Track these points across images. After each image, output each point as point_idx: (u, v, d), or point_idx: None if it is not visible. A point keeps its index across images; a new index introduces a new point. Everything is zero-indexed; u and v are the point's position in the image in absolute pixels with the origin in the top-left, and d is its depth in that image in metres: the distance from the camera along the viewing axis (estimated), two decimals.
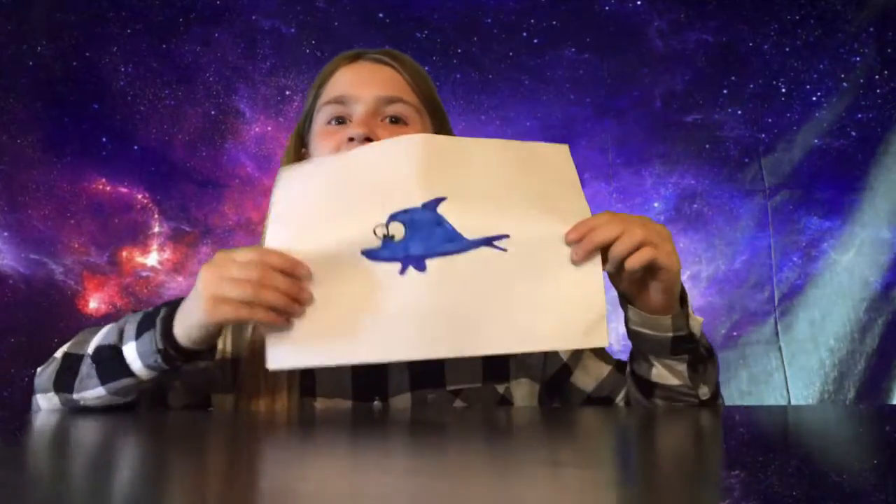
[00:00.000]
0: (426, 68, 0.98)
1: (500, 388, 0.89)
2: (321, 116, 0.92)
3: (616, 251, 0.72)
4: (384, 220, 0.73)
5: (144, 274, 2.27)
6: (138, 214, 2.28)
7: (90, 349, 0.80)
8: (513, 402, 0.89)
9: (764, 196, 2.34)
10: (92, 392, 0.78)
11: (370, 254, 0.73)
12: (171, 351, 0.75)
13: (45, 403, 0.82)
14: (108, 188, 2.27)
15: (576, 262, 0.73)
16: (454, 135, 0.99)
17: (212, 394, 0.88)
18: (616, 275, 0.76)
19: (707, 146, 2.37)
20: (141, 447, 0.63)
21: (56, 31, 2.24)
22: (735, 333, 2.30)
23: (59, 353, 0.83)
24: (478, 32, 2.37)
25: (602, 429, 0.72)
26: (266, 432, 0.71)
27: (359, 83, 0.90)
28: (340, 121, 0.90)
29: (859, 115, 2.34)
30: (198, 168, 2.31)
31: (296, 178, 0.79)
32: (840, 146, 2.34)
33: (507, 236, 0.73)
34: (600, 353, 0.91)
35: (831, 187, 2.34)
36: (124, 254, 2.27)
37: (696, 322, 0.78)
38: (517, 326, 0.73)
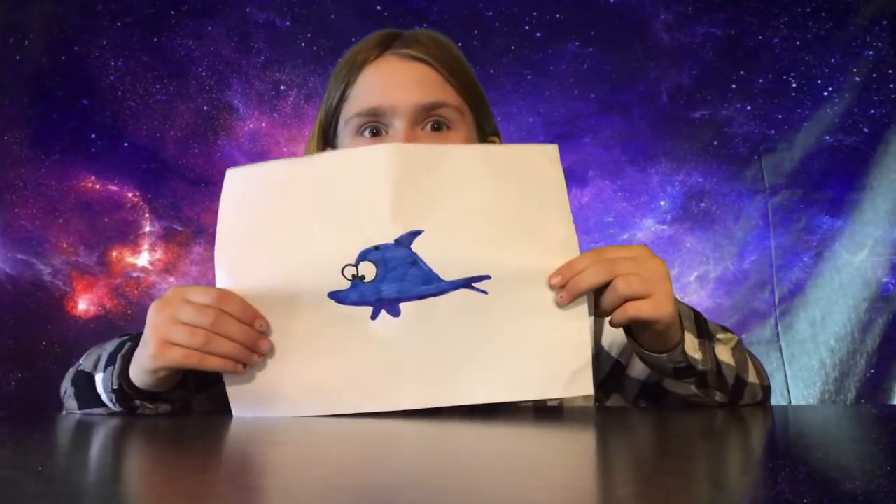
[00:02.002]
0: None
1: (554, 401, 0.87)
2: (351, 127, 0.86)
3: (600, 307, 0.71)
4: (353, 258, 0.69)
5: (135, 275, 2.27)
6: (129, 213, 2.28)
7: (76, 368, 0.83)
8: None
9: (766, 194, 2.34)
10: (74, 411, 0.82)
11: (337, 296, 0.70)
12: (128, 390, 0.73)
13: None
14: (97, 186, 2.27)
15: (560, 306, 0.70)
16: (494, 120, 0.95)
17: None
18: None
19: (715, 143, 2.37)
20: (144, 449, 0.63)
21: (44, 25, 2.23)
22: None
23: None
24: (479, 26, 2.37)
25: (602, 430, 0.72)
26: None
27: (393, 89, 0.84)
28: (375, 132, 0.85)
29: (872, 111, 2.33)
30: (190, 165, 2.31)
31: (245, 185, 0.74)
32: (852, 143, 2.34)
33: (487, 277, 0.70)
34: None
35: (842, 185, 2.34)
36: (114, 254, 2.27)
37: (696, 359, 0.75)
38: (496, 375, 0.71)
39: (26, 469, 0.49)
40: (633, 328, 0.75)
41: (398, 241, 0.69)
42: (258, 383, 0.71)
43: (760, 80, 2.37)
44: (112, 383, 0.74)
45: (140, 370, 0.72)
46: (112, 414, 0.79)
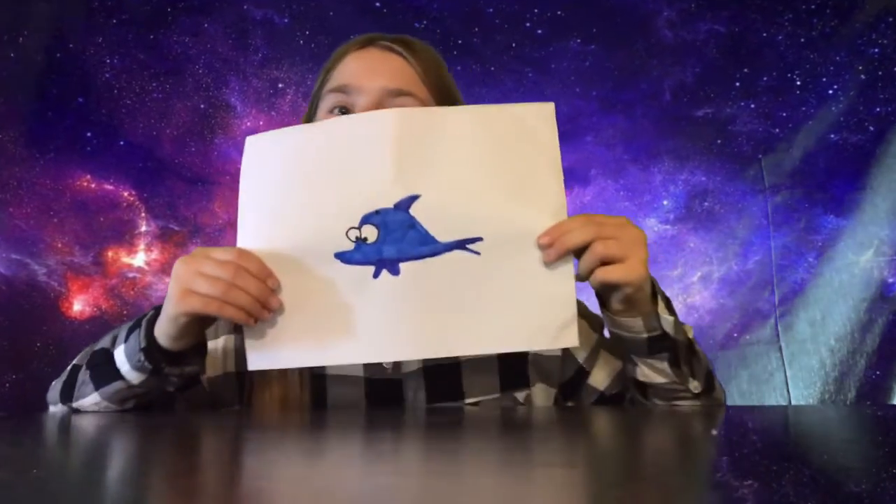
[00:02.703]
0: None
1: (521, 397, 0.90)
2: (325, 104, 0.92)
3: (578, 268, 0.75)
4: (356, 221, 0.75)
5: (131, 275, 2.27)
6: (124, 213, 2.28)
7: (88, 356, 0.85)
8: None
9: (769, 194, 2.34)
10: (88, 399, 0.83)
11: (343, 256, 0.76)
12: (154, 351, 0.77)
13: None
14: (92, 185, 2.27)
15: (547, 264, 0.74)
16: None
17: (219, 408, 0.90)
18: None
19: (718, 141, 2.37)
20: (140, 448, 0.63)
21: (38, 22, 2.24)
22: (735, 334, 2.32)
23: (70, 365, 0.88)
24: (479, 23, 2.37)
25: (598, 430, 0.72)
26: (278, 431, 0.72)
27: (366, 73, 0.90)
28: (343, 111, 0.90)
29: (878, 109, 2.34)
30: (186, 164, 2.31)
31: (263, 152, 0.80)
32: (857, 141, 2.34)
33: (480, 239, 0.75)
34: (613, 349, 0.92)
35: (847, 184, 2.34)
36: (110, 254, 2.27)
37: (669, 321, 0.79)
38: (487, 328, 0.76)
39: (25, 470, 0.49)
40: (606, 293, 0.79)
41: (397, 206, 0.75)
42: (273, 335, 0.77)
43: (764, 78, 2.37)
44: (140, 342, 0.78)
45: (163, 320, 0.76)
46: (129, 390, 0.80)
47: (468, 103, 0.90)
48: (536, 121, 0.78)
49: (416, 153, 0.76)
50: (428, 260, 0.75)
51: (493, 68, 2.36)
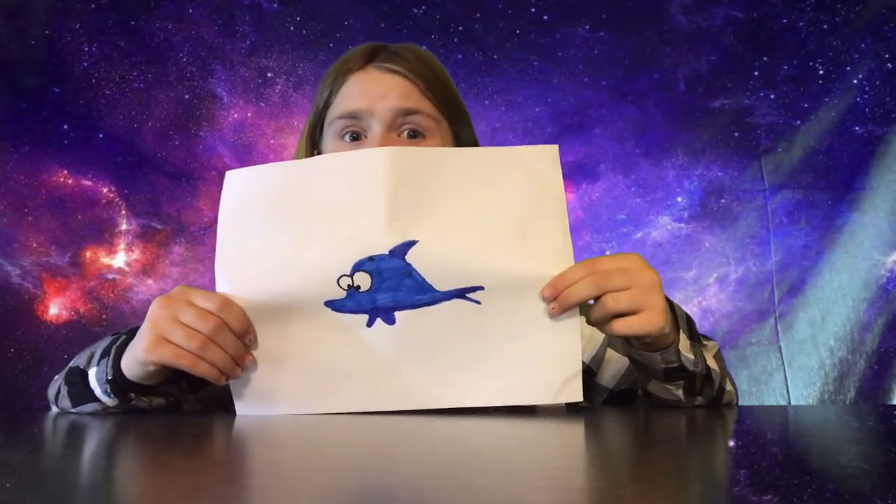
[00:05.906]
0: (423, 46, 1.02)
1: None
2: (333, 130, 0.96)
3: (589, 320, 0.77)
4: (348, 268, 0.75)
5: (110, 276, 2.28)
6: (104, 210, 2.29)
7: (66, 368, 0.88)
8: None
9: (776, 191, 2.35)
10: (69, 411, 0.86)
11: (334, 305, 0.76)
12: (120, 382, 0.79)
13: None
14: (70, 181, 2.28)
15: (552, 317, 0.75)
16: (475, 134, 1.04)
17: (230, 406, 0.91)
18: None
19: (736, 134, 2.37)
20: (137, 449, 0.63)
21: (12, 7, 2.24)
22: (735, 334, 2.35)
23: (67, 367, 0.91)
24: (480, 8, 2.37)
25: (600, 430, 0.72)
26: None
27: (371, 96, 0.94)
28: (355, 136, 0.95)
29: None
30: (170, 158, 2.31)
31: (244, 189, 0.79)
32: (883, 134, 2.34)
33: (481, 288, 0.75)
34: (619, 346, 0.95)
35: (870, 179, 2.34)
36: (88, 254, 2.27)
37: (690, 360, 0.80)
38: (488, 381, 0.77)
39: (22, 470, 0.49)
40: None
41: (393, 252, 0.74)
42: (260, 384, 0.78)
43: (785, 67, 2.37)
44: (107, 373, 0.79)
45: (132, 360, 0.77)
46: (105, 410, 0.82)
47: (469, 96, 0.91)
48: (540, 163, 0.78)
49: (412, 195, 0.75)
50: (425, 309, 0.75)
51: (495, 56, 2.36)
